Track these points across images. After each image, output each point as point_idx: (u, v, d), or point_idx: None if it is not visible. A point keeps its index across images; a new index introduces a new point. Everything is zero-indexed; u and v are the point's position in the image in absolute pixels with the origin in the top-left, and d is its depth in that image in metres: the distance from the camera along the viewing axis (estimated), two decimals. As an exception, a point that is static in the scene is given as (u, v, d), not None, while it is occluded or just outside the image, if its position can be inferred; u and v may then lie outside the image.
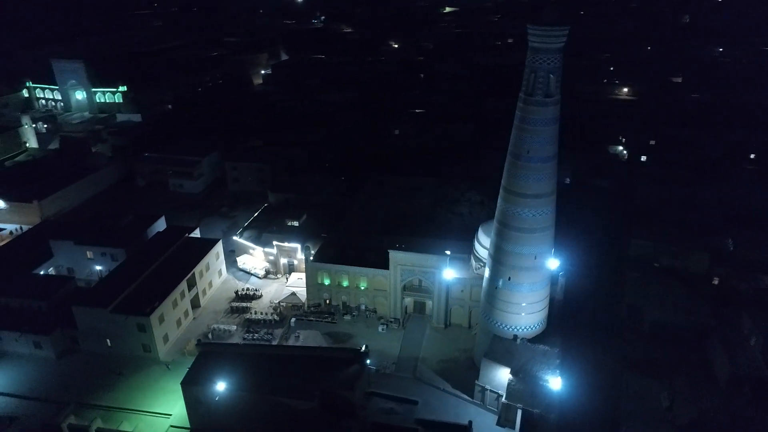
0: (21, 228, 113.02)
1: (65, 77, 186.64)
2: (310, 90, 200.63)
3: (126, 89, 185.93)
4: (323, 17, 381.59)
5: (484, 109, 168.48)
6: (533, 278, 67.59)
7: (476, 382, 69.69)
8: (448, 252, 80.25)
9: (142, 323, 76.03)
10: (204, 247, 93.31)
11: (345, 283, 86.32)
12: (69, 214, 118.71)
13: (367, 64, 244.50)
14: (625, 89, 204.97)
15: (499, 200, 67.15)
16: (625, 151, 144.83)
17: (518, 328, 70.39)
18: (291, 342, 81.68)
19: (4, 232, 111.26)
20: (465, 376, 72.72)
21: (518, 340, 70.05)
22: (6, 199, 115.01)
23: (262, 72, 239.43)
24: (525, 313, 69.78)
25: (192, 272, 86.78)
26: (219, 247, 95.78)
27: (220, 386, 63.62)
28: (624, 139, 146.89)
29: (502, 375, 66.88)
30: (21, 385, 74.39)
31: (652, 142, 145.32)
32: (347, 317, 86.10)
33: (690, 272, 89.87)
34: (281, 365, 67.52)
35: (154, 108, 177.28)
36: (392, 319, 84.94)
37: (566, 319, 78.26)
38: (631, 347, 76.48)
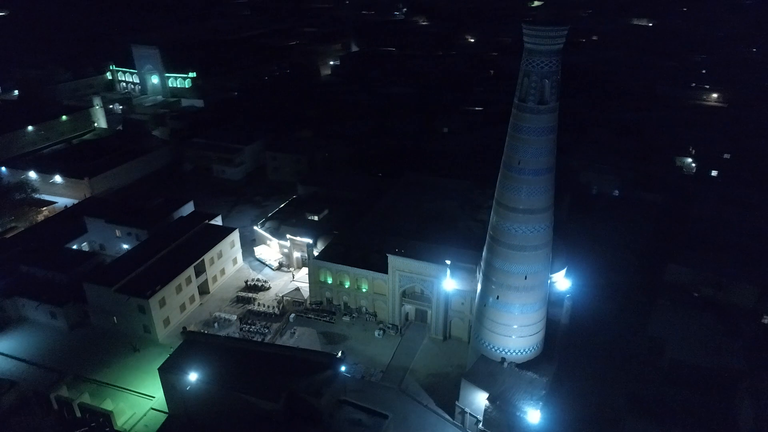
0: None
1: (143, 62, 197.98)
2: (370, 82, 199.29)
3: (195, 75, 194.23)
4: (405, 9, 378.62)
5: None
6: (524, 299, 62.15)
7: (456, 403, 65.71)
8: (448, 261, 75.86)
9: (142, 305, 78.39)
10: (219, 234, 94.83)
11: (346, 284, 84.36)
12: (117, 193, 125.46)
13: (436, 58, 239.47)
14: (715, 95, 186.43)
15: (492, 213, 62.32)
16: (693, 164, 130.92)
17: (507, 350, 65.20)
18: (286, 337, 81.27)
19: (57, 205, 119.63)
20: (452, 394, 68.53)
21: (506, 364, 64.99)
22: (62, 175, 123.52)
23: (331, 63, 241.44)
24: (516, 335, 64.45)
25: (201, 259, 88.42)
26: (235, 236, 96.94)
27: (192, 376, 64.11)
28: (694, 151, 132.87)
29: (482, 399, 62.38)
30: (33, 352, 79.14)
31: (727, 156, 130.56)
32: (346, 318, 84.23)
33: (733, 307, 79.56)
34: (256, 363, 66.80)
35: (216, 94, 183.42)
36: (390, 325, 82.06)
37: (569, 347, 71.61)
38: (642, 386, 68.53)
